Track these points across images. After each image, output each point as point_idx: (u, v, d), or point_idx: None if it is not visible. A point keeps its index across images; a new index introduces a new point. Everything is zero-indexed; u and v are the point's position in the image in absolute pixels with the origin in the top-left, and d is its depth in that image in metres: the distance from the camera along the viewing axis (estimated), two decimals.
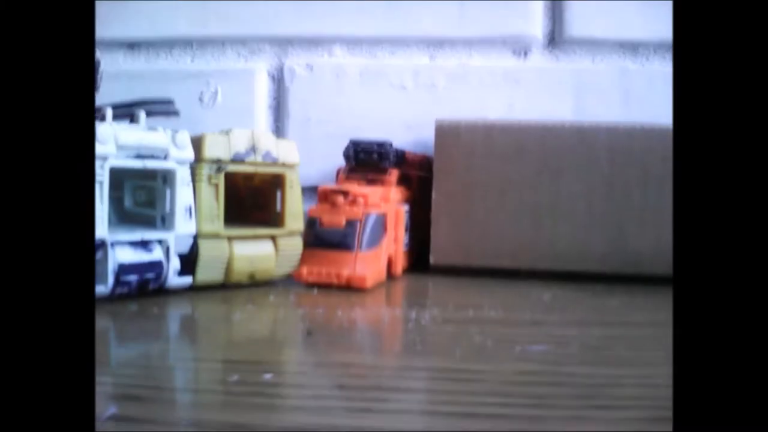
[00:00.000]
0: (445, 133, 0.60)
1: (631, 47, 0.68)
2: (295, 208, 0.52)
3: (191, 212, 0.47)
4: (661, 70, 0.67)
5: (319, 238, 0.51)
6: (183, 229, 0.47)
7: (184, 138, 0.47)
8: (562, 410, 0.25)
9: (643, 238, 0.57)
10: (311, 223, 0.52)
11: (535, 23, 0.69)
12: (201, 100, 0.74)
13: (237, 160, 0.49)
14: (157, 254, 0.45)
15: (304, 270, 0.51)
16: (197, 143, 0.48)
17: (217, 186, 0.49)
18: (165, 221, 0.47)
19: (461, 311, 0.43)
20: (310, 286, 0.51)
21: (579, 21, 0.68)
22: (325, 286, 0.50)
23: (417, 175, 0.64)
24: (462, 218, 0.59)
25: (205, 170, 0.48)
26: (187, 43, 0.75)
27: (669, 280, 0.57)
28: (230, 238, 0.49)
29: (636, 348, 0.35)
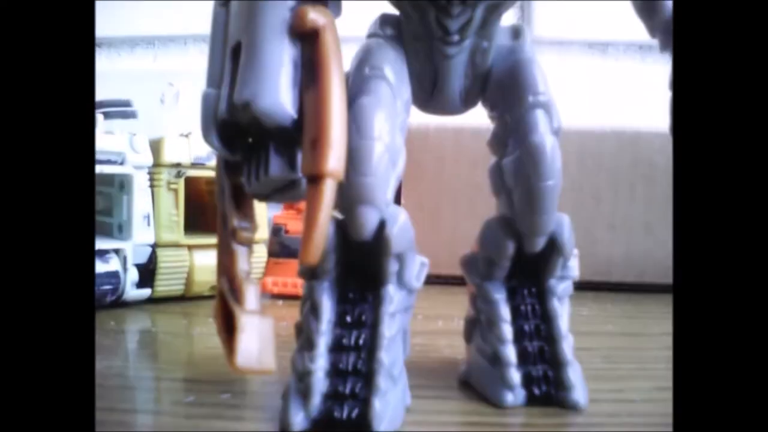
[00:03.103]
0: (414, 136, 0.58)
1: (601, 48, 0.68)
2: (258, 216, 0.51)
3: (149, 220, 0.45)
4: (631, 70, 0.67)
5: (285, 247, 0.50)
6: (141, 238, 0.45)
7: (142, 141, 0.45)
8: (535, 428, 0.24)
9: (614, 245, 0.57)
10: (276, 231, 0.51)
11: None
12: (162, 101, 0.71)
13: (198, 164, 0.48)
14: (113, 265, 0.43)
15: (269, 281, 0.49)
16: (156, 147, 0.46)
17: (176, 192, 0.47)
18: (122, 230, 0.45)
19: (430, 322, 0.42)
20: (275, 297, 0.49)
21: (547, 22, 0.68)
22: (290, 298, 0.49)
23: None
24: (431, 225, 0.58)
25: (164, 175, 0.46)
26: (149, 42, 0.73)
27: (639, 287, 0.57)
28: (191, 247, 0.48)
29: (609, 360, 0.34)
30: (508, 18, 0.75)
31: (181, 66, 0.72)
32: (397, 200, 0.58)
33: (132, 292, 0.45)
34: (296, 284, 0.48)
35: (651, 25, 0.27)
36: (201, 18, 0.71)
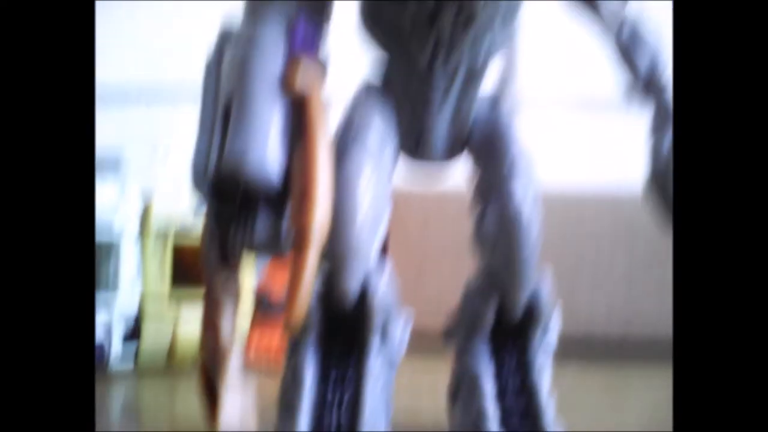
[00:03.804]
0: (398, 200, 0.59)
1: (584, 106, 0.70)
2: (244, 274, 0.51)
3: (136, 285, 0.45)
4: (613, 130, 0.68)
5: (269, 306, 0.49)
6: (127, 303, 0.45)
7: (132, 204, 0.46)
8: None
9: (596, 305, 0.57)
10: (260, 299, 0.50)
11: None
12: (153, 155, 0.72)
13: (185, 228, 0.48)
14: (98, 331, 0.43)
15: (252, 345, 0.49)
16: (145, 210, 0.47)
17: (163, 256, 0.47)
18: (108, 293, 0.45)
19: (414, 381, 0.42)
20: (260, 356, 0.49)
21: (531, 81, 0.70)
22: (274, 357, 0.48)
23: None
24: (415, 284, 0.58)
25: (151, 239, 0.47)
26: (142, 94, 0.74)
27: (622, 347, 0.57)
28: (176, 313, 0.47)
29: (592, 418, 0.34)
30: (492, 77, 0.76)
31: (173, 116, 0.73)
32: (382, 259, 0.58)
33: (116, 361, 0.44)
34: (280, 342, 0.48)
35: (632, 78, 0.28)
36: (195, 72, 0.72)
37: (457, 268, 0.57)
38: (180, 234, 0.48)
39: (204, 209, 0.26)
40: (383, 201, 0.27)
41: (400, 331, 0.26)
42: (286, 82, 0.23)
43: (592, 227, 0.58)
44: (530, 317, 0.28)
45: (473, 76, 0.27)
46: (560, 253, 0.58)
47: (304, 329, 0.25)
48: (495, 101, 0.29)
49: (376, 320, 0.25)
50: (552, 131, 0.70)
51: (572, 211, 0.59)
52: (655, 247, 0.56)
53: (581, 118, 0.71)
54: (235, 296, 0.26)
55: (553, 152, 0.69)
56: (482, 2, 0.24)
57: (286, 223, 0.23)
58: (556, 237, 0.57)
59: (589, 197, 0.59)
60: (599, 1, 0.28)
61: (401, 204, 0.59)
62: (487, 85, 0.29)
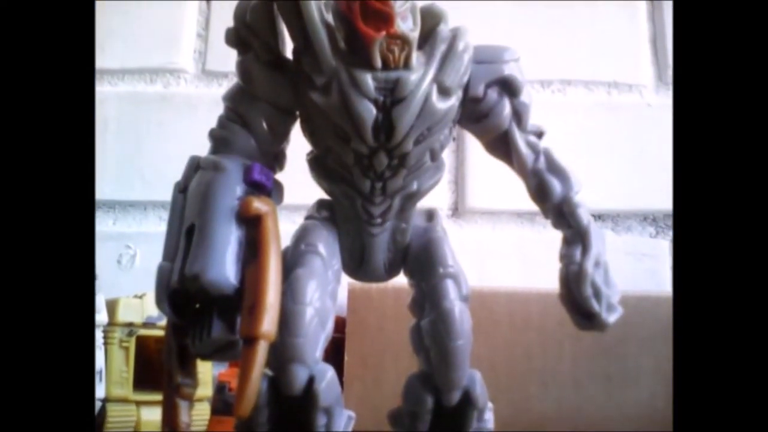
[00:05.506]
0: (358, 296, 0.62)
1: (529, 217, 0.74)
2: (202, 373, 0.53)
3: (101, 376, 0.47)
4: (556, 237, 0.73)
5: (227, 405, 0.51)
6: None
7: (99, 302, 0.48)
8: None
9: (546, 400, 0.59)
10: (220, 388, 0.52)
11: (439, 196, 0.74)
12: (119, 262, 0.74)
13: (149, 323, 0.50)
14: None
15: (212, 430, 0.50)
16: (111, 307, 0.49)
17: (127, 350, 0.49)
18: None
19: None
20: None
21: (480, 195, 0.74)
22: None
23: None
24: (374, 381, 0.60)
25: (117, 334, 0.49)
26: (110, 206, 0.76)
27: None
28: (138, 403, 0.49)
29: None
30: (444, 192, 0.79)
31: (139, 229, 0.76)
32: (340, 357, 0.60)
33: None
34: None
35: (543, 208, 0.32)
36: (161, 184, 0.75)
37: (415, 365, 0.59)
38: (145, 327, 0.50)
39: (165, 318, 0.29)
40: (328, 309, 0.30)
41: (343, 428, 0.29)
42: (244, 206, 0.27)
43: (539, 323, 0.61)
44: (465, 407, 0.31)
45: (410, 199, 0.31)
46: (508, 347, 0.61)
47: (254, 427, 0.28)
48: (426, 227, 0.33)
49: (320, 417, 0.28)
50: (498, 236, 0.75)
51: (518, 307, 0.62)
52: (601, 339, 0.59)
53: (526, 228, 0.75)
54: (191, 400, 0.28)
55: (500, 255, 0.73)
56: (413, 146, 0.29)
57: (238, 326, 0.26)
58: (504, 331, 0.60)
59: (534, 295, 0.62)
60: (519, 134, 0.32)
61: (361, 300, 0.61)
62: (420, 217, 0.33)
